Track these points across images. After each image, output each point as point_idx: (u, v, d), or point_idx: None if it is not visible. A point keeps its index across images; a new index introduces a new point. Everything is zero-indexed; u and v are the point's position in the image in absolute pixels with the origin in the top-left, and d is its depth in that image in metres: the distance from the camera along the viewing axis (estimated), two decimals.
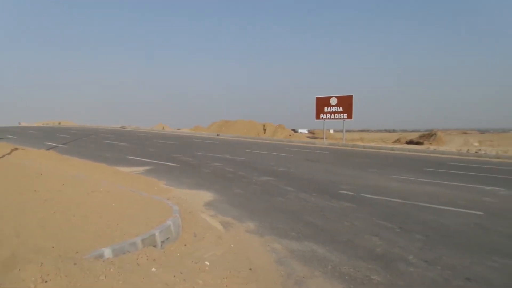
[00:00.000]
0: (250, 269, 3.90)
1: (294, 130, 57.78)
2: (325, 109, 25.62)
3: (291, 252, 4.52)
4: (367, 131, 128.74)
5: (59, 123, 49.83)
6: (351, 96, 24.87)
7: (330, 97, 25.44)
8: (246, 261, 4.16)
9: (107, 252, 3.41)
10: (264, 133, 38.29)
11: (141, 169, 10.95)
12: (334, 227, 5.61)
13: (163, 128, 42.64)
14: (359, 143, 27.67)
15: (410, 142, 35.40)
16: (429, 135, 36.80)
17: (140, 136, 27.70)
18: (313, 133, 67.76)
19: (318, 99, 26.07)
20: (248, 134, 35.56)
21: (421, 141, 33.93)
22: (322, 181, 9.61)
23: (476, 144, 29.65)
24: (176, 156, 14.69)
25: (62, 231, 3.68)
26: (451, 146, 26.28)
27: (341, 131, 27.14)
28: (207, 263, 3.87)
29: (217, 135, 32.84)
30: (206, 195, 7.67)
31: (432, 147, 23.57)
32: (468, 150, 20.97)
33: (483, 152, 19.61)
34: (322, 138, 29.13)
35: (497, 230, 5.55)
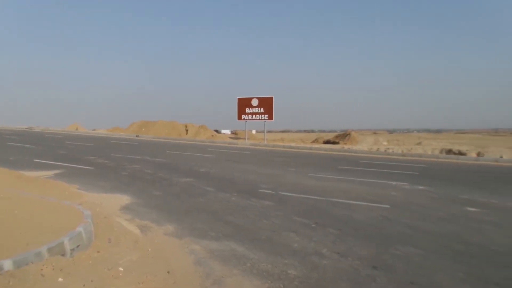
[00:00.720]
0: (168, 272, 3.82)
1: (217, 131, 57.77)
2: (247, 110, 26.08)
3: (210, 252, 4.51)
4: (288, 131, 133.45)
5: None
6: (272, 97, 25.62)
7: (252, 98, 25.95)
8: (164, 264, 4.06)
9: (7, 264, 3.10)
10: (186, 133, 37.70)
11: (50, 173, 10.12)
12: (253, 225, 5.72)
13: (76, 129, 39.97)
14: (280, 143, 28.59)
15: (327, 142, 36.98)
16: (344, 135, 38.81)
17: (50, 137, 25.69)
18: (236, 133, 68.20)
19: (240, 100, 26.42)
20: (169, 135, 34.81)
21: (337, 141, 35.63)
22: (242, 181, 9.76)
23: (385, 143, 32.19)
24: (91, 158, 13.86)
25: None
26: (363, 145, 28.20)
27: (263, 131, 27.80)
28: (121, 269, 3.70)
29: (137, 136, 31.65)
30: (123, 199, 7.33)
31: (346, 147, 25.24)
32: (378, 149, 22.85)
33: (390, 150, 21.53)
34: (244, 138, 29.56)
35: (400, 221, 6.12)
